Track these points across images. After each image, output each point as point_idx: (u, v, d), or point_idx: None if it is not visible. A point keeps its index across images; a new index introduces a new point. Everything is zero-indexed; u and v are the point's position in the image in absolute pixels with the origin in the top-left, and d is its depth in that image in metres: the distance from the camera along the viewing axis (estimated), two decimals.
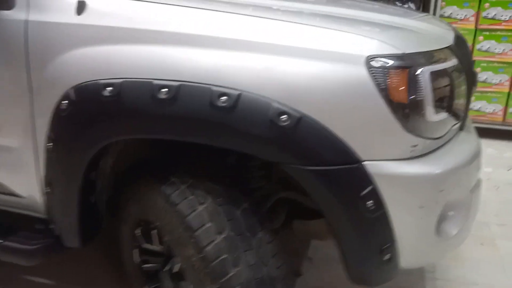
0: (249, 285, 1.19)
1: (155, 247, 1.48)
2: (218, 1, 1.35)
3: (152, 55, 1.20)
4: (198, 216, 1.21)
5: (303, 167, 1.14)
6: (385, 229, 1.19)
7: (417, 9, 3.66)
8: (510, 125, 3.60)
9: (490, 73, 3.52)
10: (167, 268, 1.49)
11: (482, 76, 3.54)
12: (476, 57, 3.53)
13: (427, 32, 1.41)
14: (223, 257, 1.18)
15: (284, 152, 1.14)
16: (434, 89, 1.18)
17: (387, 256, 1.21)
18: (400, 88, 1.13)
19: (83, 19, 1.28)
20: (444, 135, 1.28)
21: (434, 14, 3.45)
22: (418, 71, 1.15)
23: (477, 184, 1.40)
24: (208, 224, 1.20)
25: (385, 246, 1.20)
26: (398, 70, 1.13)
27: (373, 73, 1.12)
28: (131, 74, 1.21)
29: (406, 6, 3.67)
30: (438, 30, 1.47)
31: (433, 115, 1.20)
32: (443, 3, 3.45)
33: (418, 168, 1.17)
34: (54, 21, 1.30)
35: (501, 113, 3.60)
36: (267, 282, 1.22)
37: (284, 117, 1.12)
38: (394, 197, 1.17)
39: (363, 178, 1.14)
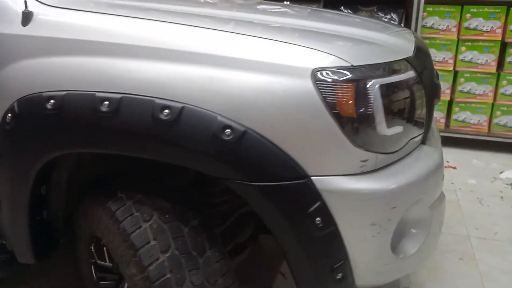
0: None
1: (107, 264, 1.44)
2: (163, 12, 1.32)
3: (96, 67, 1.17)
4: (141, 233, 1.17)
5: (248, 183, 1.09)
6: (336, 247, 1.14)
7: (400, 19, 3.64)
8: (495, 136, 3.56)
9: (473, 83, 3.49)
10: (121, 286, 1.44)
11: (465, 86, 3.52)
12: (459, 67, 3.50)
13: (385, 44, 1.37)
14: (166, 277, 1.13)
15: (228, 168, 1.10)
16: (386, 103, 1.15)
17: (339, 275, 1.16)
18: (348, 102, 1.10)
19: (28, 30, 1.24)
20: (400, 149, 1.24)
21: (416, 24, 3.43)
22: (367, 84, 1.12)
23: (439, 199, 1.36)
24: (152, 243, 1.16)
25: (337, 265, 1.15)
26: (345, 83, 1.10)
27: (319, 86, 1.09)
28: (75, 86, 1.17)
29: (388, 17, 3.65)
30: (398, 42, 1.43)
31: (385, 129, 1.16)
32: (425, 13, 3.43)
33: (368, 184, 1.13)
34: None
35: (486, 124, 3.56)
36: None
37: (228, 131, 1.08)
38: (344, 214, 1.13)
39: (310, 194, 1.10)
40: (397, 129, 1.20)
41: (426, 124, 1.39)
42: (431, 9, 3.42)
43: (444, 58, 3.48)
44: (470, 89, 3.50)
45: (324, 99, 1.09)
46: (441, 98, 3.50)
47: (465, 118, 3.58)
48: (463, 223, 2.56)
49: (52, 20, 1.25)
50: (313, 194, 1.10)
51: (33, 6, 1.27)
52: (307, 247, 1.13)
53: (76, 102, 1.16)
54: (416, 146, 1.36)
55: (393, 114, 1.19)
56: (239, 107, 1.10)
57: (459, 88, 3.53)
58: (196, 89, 1.11)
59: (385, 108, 1.15)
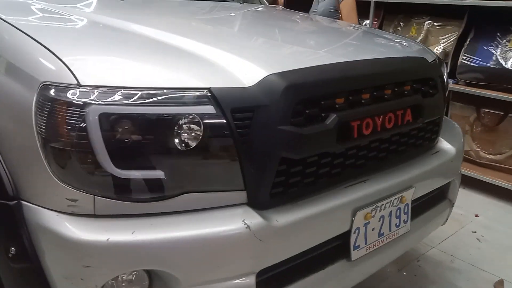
0: None
1: None
2: None
3: None
4: None
5: None
6: (35, 286, 0.99)
7: None
8: None
9: None
10: None
11: None
12: None
13: (201, 68, 1.07)
14: None
15: None
16: (114, 137, 0.93)
17: None
18: (55, 127, 0.93)
19: None
20: (155, 199, 0.97)
21: None
22: (84, 110, 0.91)
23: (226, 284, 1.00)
24: None
25: None
26: (56, 104, 0.93)
27: (38, 101, 0.96)
28: None
29: None
30: (240, 67, 1.08)
31: (112, 169, 0.93)
32: None
33: (62, 228, 0.93)
34: None
35: None
36: None
37: None
38: (49, 254, 0.97)
39: (12, 220, 0.99)
40: (144, 174, 0.95)
41: (247, 181, 1.03)
42: None
43: None
44: None
45: (35, 118, 0.95)
46: None
47: None
48: None
49: None
50: (16, 220, 0.99)
51: None
52: (4, 276, 1.02)
53: None
54: (221, 205, 1.03)
55: (134, 154, 0.95)
56: None
57: None
58: None
59: (115, 143, 0.92)
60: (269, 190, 1.06)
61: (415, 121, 1.39)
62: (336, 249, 1.25)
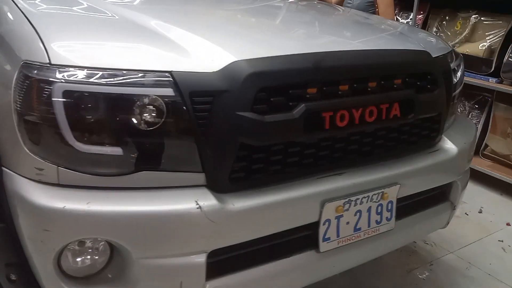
0: None
1: None
2: None
3: None
4: None
5: None
6: (7, 246, 1.10)
7: None
8: None
9: None
10: None
11: None
12: None
13: (172, 53, 1.10)
14: None
15: None
16: (77, 113, 1.00)
17: (13, 276, 1.12)
18: (25, 100, 1.02)
19: None
20: (114, 175, 1.04)
21: None
22: (50, 87, 0.99)
23: (173, 259, 1.05)
24: None
25: (11, 263, 1.11)
26: (28, 80, 1.02)
27: (17, 77, 1.05)
28: None
29: None
30: (205, 53, 1.11)
31: (74, 143, 1.01)
32: None
33: (29, 194, 1.02)
34: None
35: None
36: None
37: None
38: (19, 215, 1.07)
39: None
40: (102, 149, 1.02)
41: (204, 164, 1.07)
42: None
43: None
44: None
45: (14, 92, 1.05)
46: None
47: None
48: None
49: None
50: None
51: None
52: None
53: None
54: (180, 185, 1.07)
55: (94, 130, 1.02)
56: None
57: None
58: None
59: (76, 119, 1.00)
60: (228, 174, 1.09)
61: (405, 116, 1.34)
62: (305, 239, 1.25)
